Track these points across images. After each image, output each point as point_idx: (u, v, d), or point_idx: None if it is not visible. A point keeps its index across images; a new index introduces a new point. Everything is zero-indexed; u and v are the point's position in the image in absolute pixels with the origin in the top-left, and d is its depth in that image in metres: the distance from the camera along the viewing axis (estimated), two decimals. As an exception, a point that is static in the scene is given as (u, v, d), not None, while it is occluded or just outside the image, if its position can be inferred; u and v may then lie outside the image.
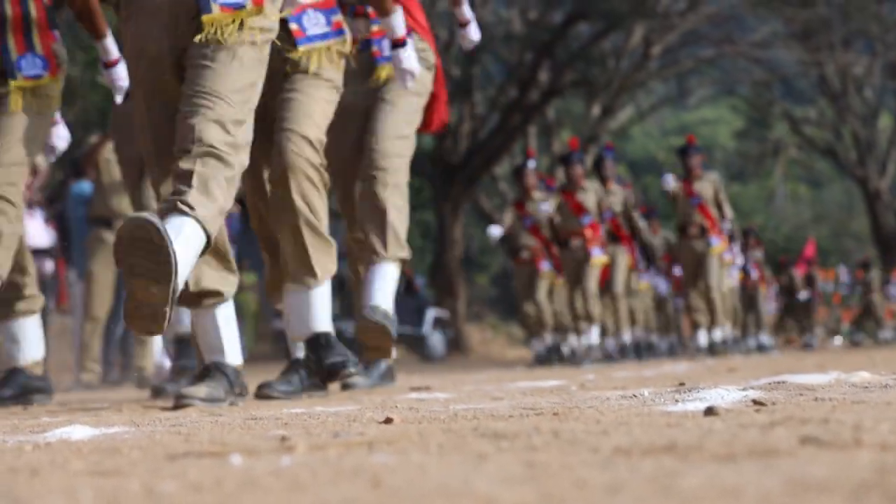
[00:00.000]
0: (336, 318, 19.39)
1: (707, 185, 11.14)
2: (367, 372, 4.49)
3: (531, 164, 11.70)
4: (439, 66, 4.61)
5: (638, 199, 14.53)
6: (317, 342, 3.77)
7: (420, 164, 21.76)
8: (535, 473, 1.22)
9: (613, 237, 11.21)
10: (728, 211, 11.37)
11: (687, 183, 11.18)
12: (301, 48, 3.80)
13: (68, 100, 20.17)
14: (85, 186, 7.88)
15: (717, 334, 11.17)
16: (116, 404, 3.95)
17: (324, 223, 3.76)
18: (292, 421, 2.28)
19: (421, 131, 4.64)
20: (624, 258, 11.33)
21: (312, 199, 3.71)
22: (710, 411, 1.94)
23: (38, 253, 9.39)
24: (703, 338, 11.45)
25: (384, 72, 4.38)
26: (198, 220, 2.97)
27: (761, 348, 15.13)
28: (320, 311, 3.78)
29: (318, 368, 3.75)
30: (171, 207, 2.97)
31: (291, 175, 3.66)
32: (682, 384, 3.18)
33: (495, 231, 10.88)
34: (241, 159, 3.16)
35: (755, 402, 2.15)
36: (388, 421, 2.09)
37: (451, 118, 20.95)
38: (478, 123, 21.13)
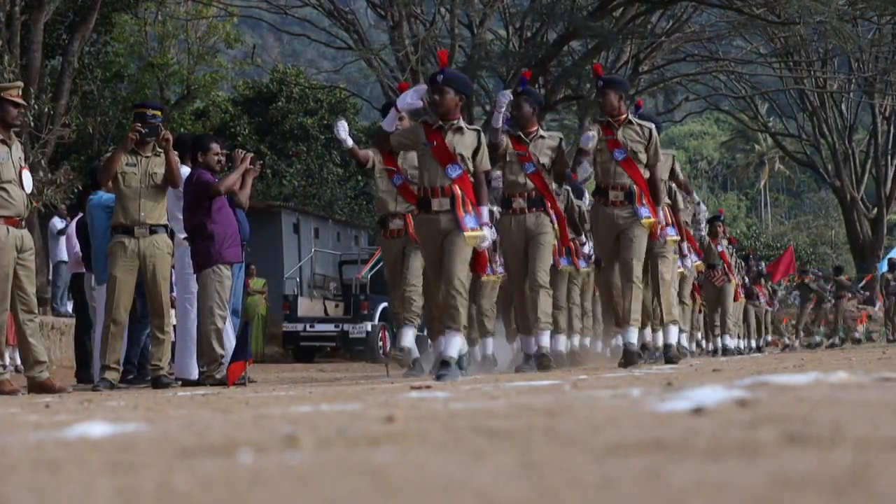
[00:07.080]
0: (345, 320, 19.30)
1: (635, 135, 7.20)
2: None
3: (402, 102, 6.46)
4: None
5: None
6: None
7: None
8: (530, 470, 1.21)
9: (538, 201, 7.26)
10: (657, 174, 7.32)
11: (607, 130, 7.21)
12: None
13: (88, 113, 20.12)
14: (104, 195, 7.83)
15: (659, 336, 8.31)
16: (133, 403, 3.94)
17: None
18: (300, 419, 2.27)
19: None
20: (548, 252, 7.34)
21: None
22: (696, 410, 1.94)
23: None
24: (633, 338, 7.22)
25: None
26: None
27: (726, 351, 13.08)
28: None
29: None
30: None
31: None
32: (669, 384, 3.17)
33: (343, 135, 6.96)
34: None
35: (739, 401, 2.15)
36: (391, 419, 2.08)
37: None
38: (476, 136, 21.11)
